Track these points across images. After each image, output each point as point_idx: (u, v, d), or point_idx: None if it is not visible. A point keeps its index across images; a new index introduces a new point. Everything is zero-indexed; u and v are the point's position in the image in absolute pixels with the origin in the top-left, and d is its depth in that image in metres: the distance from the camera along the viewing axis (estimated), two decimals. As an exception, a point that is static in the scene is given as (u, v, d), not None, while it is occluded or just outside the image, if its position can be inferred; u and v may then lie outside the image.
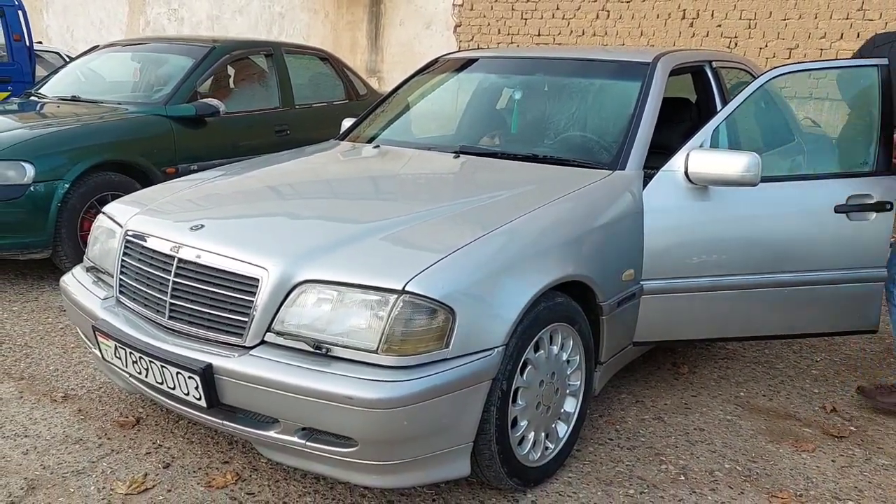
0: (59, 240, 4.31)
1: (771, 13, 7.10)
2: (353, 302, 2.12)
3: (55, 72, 5.94)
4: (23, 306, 4.07)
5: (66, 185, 4.26)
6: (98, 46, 6.10)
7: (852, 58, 3.36)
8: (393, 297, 2.07)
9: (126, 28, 12.16)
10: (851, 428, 3.04)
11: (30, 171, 4.15)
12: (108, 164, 4.51)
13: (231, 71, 5.72)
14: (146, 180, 4.62)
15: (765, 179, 2.85)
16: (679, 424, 3.01)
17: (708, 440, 2.89)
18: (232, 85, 5.71)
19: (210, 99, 5.10)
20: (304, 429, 2.15)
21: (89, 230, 4.40)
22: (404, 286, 2.07)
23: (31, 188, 4.15)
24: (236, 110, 5.42)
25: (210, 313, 2.26)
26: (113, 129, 4.64)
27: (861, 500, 2.53)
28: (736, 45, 7.29)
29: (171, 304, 2.35)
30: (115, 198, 4.47)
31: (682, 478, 2.62)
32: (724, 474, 2.66)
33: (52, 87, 5.59)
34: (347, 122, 3.94)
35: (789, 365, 3.65)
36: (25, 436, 2.72)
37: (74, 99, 5.24)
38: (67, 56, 9.05)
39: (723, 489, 2.56)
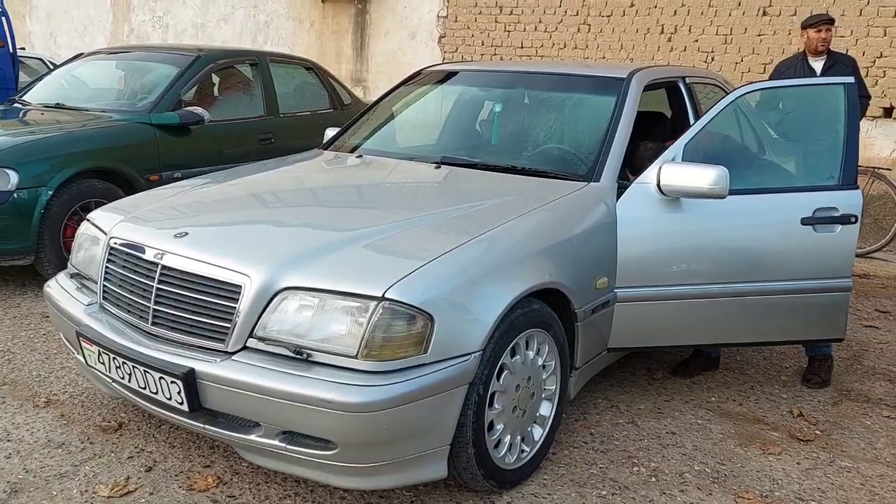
0: (41, 246, 4.33)
1: (746, 29, 7.25)
2: (333, 308, 2.19)
3: (39, 79, 5.97)
4: (5, 312, 4.09)
5: (50, 192, 4.29)
6: (83, 54, 6.14)
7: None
8: (373, 304, 2.14)
9: (110, 35, 12.15)
10: (817, 432, 3.13)
11: (13, 177, 4.18)
12: (91, 172, 4.54)
13: (216, 79, 5.77)
14: (130, 188, 4.65)
15: (734, 192, 2.94)
16: (652, 428, 3.09)
17: (679, 443, 2.98)
18: (216, 93, 5.76)
19: (194, 107, 5.15)
20: (284, 432, 2.21)
21: (72, 237, 4.42)
22: (384, 293, 2.14)
23: (15, 195, 4.18)
24: (221, 118, 5.46)
25: (193, 319, 2.32)
26: (97, 136, 4.68)
27: (823, 501, 2.62)
28: (713, 59, 7.44)
29: (155, 309, 2.40)
30: (98, 205, 4.49)
31: (653, 479, 2.70)
32: (693, 476, 2.74)
33: (36, 94, 5.61)
34: (330, 132, 4.01)
35: (759, 371, 3.75)
36: (8, 440, 2.76)
37: (59, 106, 5.27)
38: (51, 62, 9.04)
39: (692, 490, 2.65)
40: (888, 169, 6.63)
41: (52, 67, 8.07)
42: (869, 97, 5.28)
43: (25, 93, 5.72)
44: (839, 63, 5.01)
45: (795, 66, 5.09)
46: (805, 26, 5.06)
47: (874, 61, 6.67)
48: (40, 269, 4.43)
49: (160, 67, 5.48)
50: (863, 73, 5.58)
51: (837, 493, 2.68)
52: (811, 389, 3.55)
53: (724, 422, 3.19)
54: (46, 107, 5.30)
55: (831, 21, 5.01)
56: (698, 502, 2.58)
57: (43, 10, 12.88)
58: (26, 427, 2.86)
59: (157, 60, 5.61)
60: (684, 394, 3.45)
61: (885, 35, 6.63)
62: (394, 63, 9.56)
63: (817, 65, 5.01)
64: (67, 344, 2.84)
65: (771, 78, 5.40)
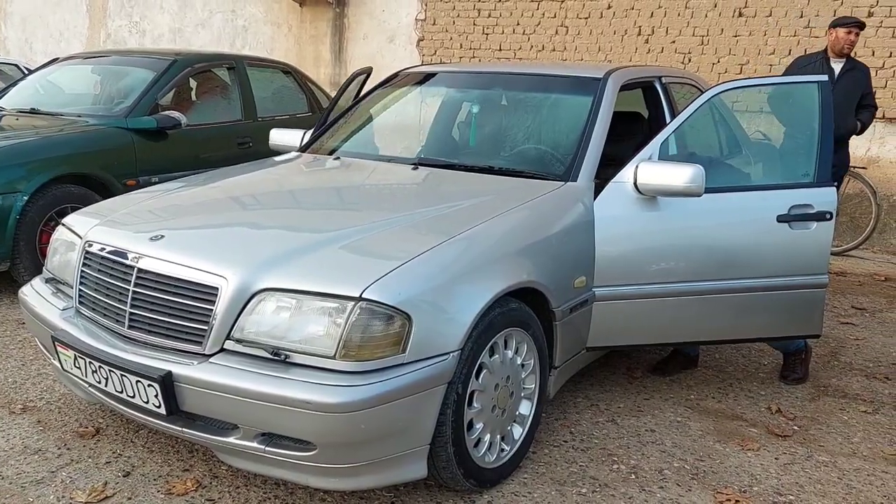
0: (17, 253, 4.28)
1: (722, 30, 7.32)
2: (311, 309, 2.18)
3: (13, 84, 5.90)
4: (-20, 319, 4.04)
5: (25, 198, 4.24)
6: (58, 59, 6.08)
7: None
8: (350, 304, 2.14)
9: (86, 40, 12.04)
10: (795, 427, 3.17)
11: (-13, 183, 4.13)
12: (67, 177, 4.50)
13: (193, 84, 5.74)
14: (106, 192, 4.61)
15: (710, 190, 2.96)
16: (631, 426, 3.11)
17: (658, 441, 2.99)
18: (194, 97, 5.73)
19: (171, 111, 5.12)
20: (263, 434, 2.20)
21: (48, 243, 4.37)
22: (361, 293, 2.13)
23: (-11, 201, 4.13)
24: (198, 122, 5.43)
25: (170, 322, 2.30)
26: (73, 141, 4.63)
27: (801, 495, 2.65)
28: (690, 60, 7.50)
29: (131, 313, 2.38)
30: (74, 210, 4.46)
31: (633, 477, 2.72)
32: (672, 472, 2.76)
33: (11, 100, 5.54)
34: (275, 133, 3.97)
35: (738, 368, 3.79)
36: (-17, 447, 2.73)
37: (33, 111, 5.21)
38: (27, 68, 8.93)
39: (671, 487, 2.66)
40: (864, 168, 6.71)
41: (26, 74, 7.97)
42: (876, 107, 5.35)
43: (-1, 98, 5.65)
44: (856, 69, 5.08)
45: (815, 63, 5.14)
46: (835, 25, 5.09)
47: (848, 62, 6.74)
48: (16, 275, 4.37)
49: (136, 72, 5.44)
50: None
51: (815, 487, 2.71)
52: (789, 386, 3.59)
53: (704, 419, 3.21)
54: (21, 112, 5.24)
55: (862, 25, 5.05)
56: (678, 498, 2.59)
57: (18, 16, 12.74)
58: (2, 434, 2.82)
59: (133, 65, 5.58)
60: (664, 392, 3.47)
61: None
62: (373, 66, 9.54)
63: (837, 66, 5.07)
64: (43, 349, 2.81)
65: (788, 72, 5.45)
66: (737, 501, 2.59)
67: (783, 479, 2.76)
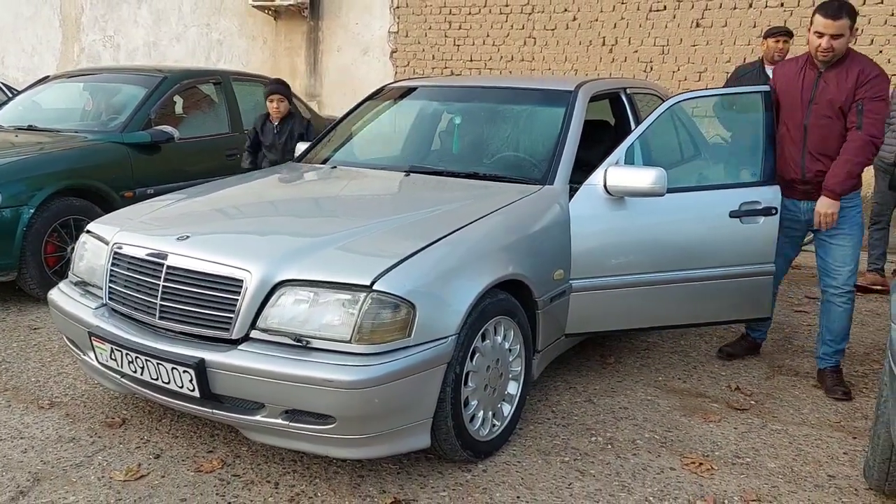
0: (24, 263, 4.50)
1: (682, 40, 7.77)
2: (327, 301, 2.49)
3: (6, 101, 6.10)
4: (-8, 326, 4.27)
5: (31, 211, 4.47)
6: (48, 77, 6.29)
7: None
8: (362, 295, 2.45)
9: (60, 55, 12.15)
10: (752, 402, 3.54)
11: (-4, 197, 4.36)
12: (70, 190, 4.73)
13: (182, 98, 5.98)
14: (106, 205, 4.85)
15: (671, 190, 3.32)
16: (606, 405, 3.45)
17: (631, 416, 3.34)
18: (183, 112, 5.98)
19: (164, 126, 5.36)
20: (287, 411, 2.49)
21: (52, 253, 4.63)
22: (372, 283, 2.45)
23: (-2, 214, 4.36)
24: (188, 136, 5.69)
25: (199, 312, 2.59)
26: (74, 156, 4.87)
27: (756, 458, 3.01)
28: (651, 69, 7.93)
29: (161, 305, 2.66)
30: (76, 222, 4.72)
31: (609, 446, 3.06)
32: (644, 442, 3.11)
33: (6, 117, 5.74)
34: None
35: (701, 353, 4.16)
36: (21, 437, 2.98)
37: (31, 128, 5.43)
38: (3, 84, 9.06)
39: (643, 454, 3.01)
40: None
41: (15, 94, 8.12)
42: None
43: (-8, 115, 5.85)
44: None
45: (753, 72, 5.61)
46: (766, 36, 5.55)
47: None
48: (23, 285, 4.59)
49: (128, 88, 5.68)
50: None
51: (769, 451, 3.07)
52: (748, 368, 3.96)
53: (671, 397, 3.57)
54: (19, 129, 5.45)
55: (790, 34, 5.52)
56: (649, 463, 2.94)
57: (-11, 31, 12.80)
58: (36, 426, 3.08)
59: (124, 81, 5.82)
60: (634, 375, 3.82)
61: (807, 45, 7.18)
62: (347, 78, 9.85)
63: (772, 73, 5.53)
64: (72, 346, 3.07)
65: (729, 80, 5.89)
66: (700, 464, 2.94)
67: (741, 444, 3.12)
